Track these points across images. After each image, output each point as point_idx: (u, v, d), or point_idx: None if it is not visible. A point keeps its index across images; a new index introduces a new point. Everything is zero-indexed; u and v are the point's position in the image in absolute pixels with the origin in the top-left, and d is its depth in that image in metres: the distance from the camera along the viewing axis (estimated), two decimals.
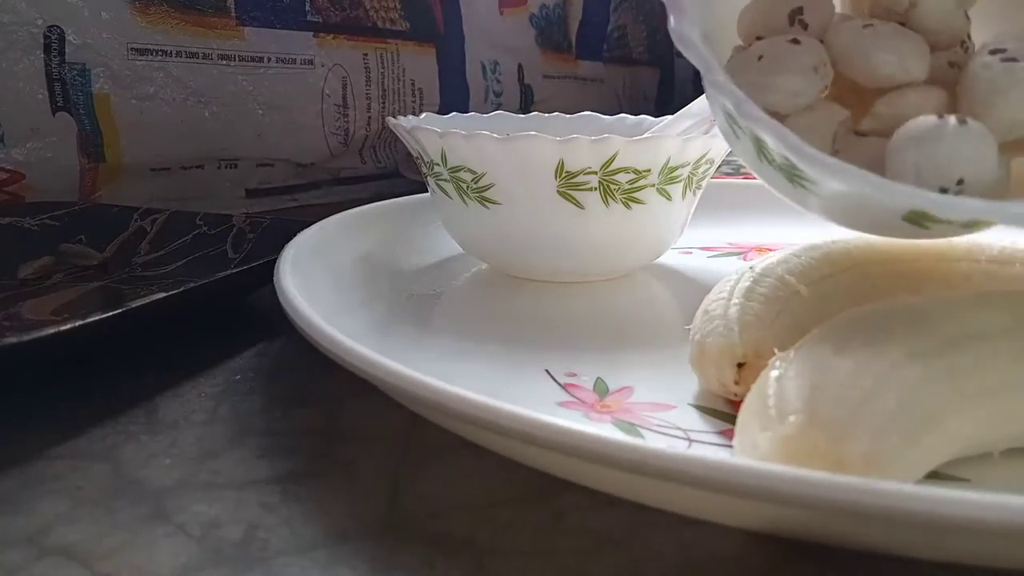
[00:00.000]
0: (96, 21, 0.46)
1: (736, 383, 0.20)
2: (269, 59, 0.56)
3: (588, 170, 0.27)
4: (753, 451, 0.15)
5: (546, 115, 0.38)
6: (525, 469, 0.18)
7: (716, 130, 0.32)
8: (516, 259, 0.31)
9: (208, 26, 0.52)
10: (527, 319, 0.28)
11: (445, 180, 0.29)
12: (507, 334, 0.26)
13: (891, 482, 0.12)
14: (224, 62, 0.53)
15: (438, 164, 0.29)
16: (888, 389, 0.14)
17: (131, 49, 0.48)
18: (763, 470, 0.12)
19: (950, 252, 0.22)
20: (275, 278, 0.24)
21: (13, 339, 0.19)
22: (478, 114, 0.37)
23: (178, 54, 0.50)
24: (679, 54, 0.91)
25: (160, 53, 0.50)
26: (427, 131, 0.29)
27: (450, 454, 0.19)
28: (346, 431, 0.21)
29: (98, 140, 0.47)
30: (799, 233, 0.34)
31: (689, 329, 0.21)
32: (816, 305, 0.20)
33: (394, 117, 0.32)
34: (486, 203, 0.29)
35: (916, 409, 0.14)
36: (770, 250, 0.35)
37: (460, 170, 0.28)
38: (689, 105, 0.34)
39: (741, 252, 0.36)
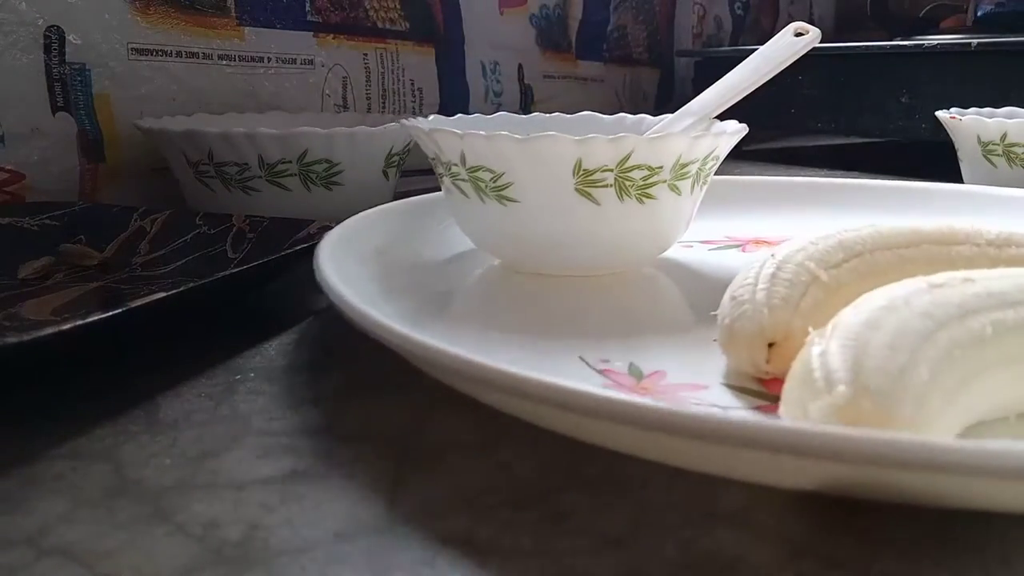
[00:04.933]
0: (96, 21, 0.46)
1: (767, 362, 0.21)
2: (269, 59, 0.56)
3: (605, 168, 0.28)
4: (805, 419, 0.16)
5: (546, 115, 0.38)
6: (525, 469, 0.18)
7: (717, 128, 0.33)
8: (532, 255, 0.31)
9: (208, 26, 0.52)
10: (551, 311, 0.29)
11: (463, 180, 0.30)
12: (535, 326, 0.27)
13: (956, 440, 0.13)
14: (224, 62, 0.53)
15: (456, 164, 0.29)
16: (920, 361, 0.16)
17: (131, 49, 0.48)
18: (840, 432, 0.13)
19: (952, 237, 0.23)
20: (315, 265, 0.25)
21: (13, 339, 0.19)
22: (482, 115, 0.37)
23: (178, 54, 0.50)
24: (679, 53, 0.90)
25: (160, 53, 0.50)
26: (447, 132, 0.29)
27: (450, 454, 0.19)
28: (346, 431, 0.21)
29: (98, 140, 0.47)
30: (793, 225, 0.35)
31: (715, 315, 0.23)
32: (835, 288, 0.22)
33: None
34: (504, 201, 0.29)
35: (947, 378, 0.16)
36: (767, 242, 0.36)
37: (479, 170, 0.29)
38: (688, 104, 0.34)
39: (739, 244, 0.37)
